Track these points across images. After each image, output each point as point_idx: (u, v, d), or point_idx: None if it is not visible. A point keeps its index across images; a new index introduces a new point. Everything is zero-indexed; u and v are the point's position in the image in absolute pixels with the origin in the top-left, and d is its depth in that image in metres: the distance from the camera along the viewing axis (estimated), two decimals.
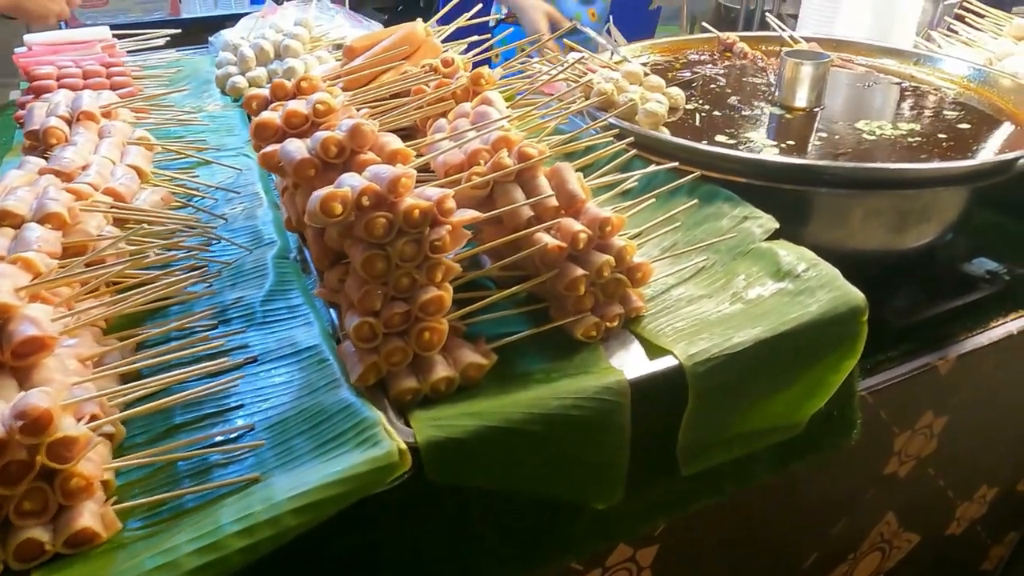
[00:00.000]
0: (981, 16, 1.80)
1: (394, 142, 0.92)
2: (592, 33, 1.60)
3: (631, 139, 1.12)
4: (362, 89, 1.19)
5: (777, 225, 1.02)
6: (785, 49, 1.54)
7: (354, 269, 0.81)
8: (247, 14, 1.97)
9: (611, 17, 2.98)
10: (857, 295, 0.89)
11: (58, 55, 1.65)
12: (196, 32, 2.20)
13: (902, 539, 1.41)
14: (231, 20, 2.02)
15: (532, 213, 0.90)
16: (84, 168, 1.09)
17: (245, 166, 1.34)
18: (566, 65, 1.28)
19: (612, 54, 1.51)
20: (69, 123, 1.24)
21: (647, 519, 0.95)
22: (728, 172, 1.11)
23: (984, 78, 1.46)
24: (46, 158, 1.13)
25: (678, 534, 1.05)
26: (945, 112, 1.37)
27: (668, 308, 0.94)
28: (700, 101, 1.41)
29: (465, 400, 0.80)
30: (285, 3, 2.05)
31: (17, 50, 1.71)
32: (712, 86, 1.50)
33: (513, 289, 0.89)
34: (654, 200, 1.03)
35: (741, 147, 1.22)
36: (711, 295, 0.96)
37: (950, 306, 1.22)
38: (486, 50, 1.30)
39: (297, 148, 0.90)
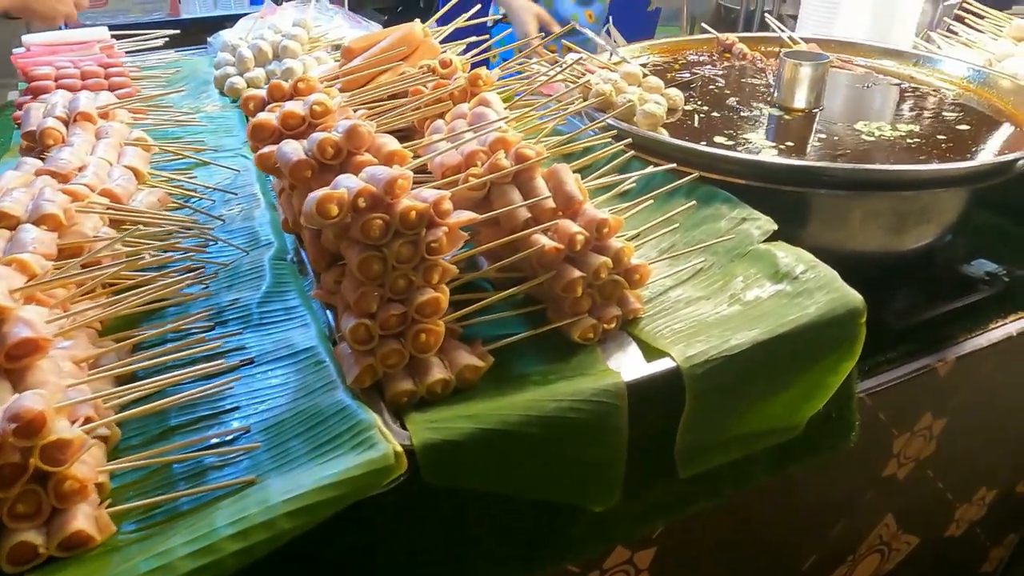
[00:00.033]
0: (981, 17, 1.79)
1: (391, 143, 0.91)
2: (591, 34, 1.60)
3: (629, 140, 1.12)
4: (360, 90, 1.19)
5: (775, 227, 1.02)
6: (784, 50, 1.54)
7: (350, 271, 0.81)
8: (247, 15, 1.97)
9: (610, 18, 2.98)
10: (855, 297, 0.89)
11: (56, 56, 1.64)
12: (195, 33, 2.19)
13: (901, 541, 1.40)
14: (230, 21, 2.01)
15: (529, 215, 0.89)
16: (81, 169, 1.09)
17: (243, 167, 1.34)
18: (564, 66, 1.28)
19: (611, 55, 1.50)
20: (66, 124, 1.23)
21: (645, 521, 0.95)
22: (726, 173, 1.11)
23: (983, 79, 1.46)
24: (43, 159, 1.12)
25: (676, 536, 1.05)
26: (944, 113, 1.37)
27: (666, 310, 0.94)
28: (699, 102, 1.41)
29: (461, 402, 0.80)
30: (284, 4, 2.05)
31: (15, 51, 1.71)
32: (711, 87, 1.50)
33: (510, 291, 0.88)
34: (652, 201, 1.02)
35: (740, 148, 1.22)
36: (709, 297, 0.95)
37: (949, 308, 1.22)
38: (484, 51, 1.30)
39: (293, 149, 0.90)
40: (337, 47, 1.73)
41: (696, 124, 1.32)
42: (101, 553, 0.67)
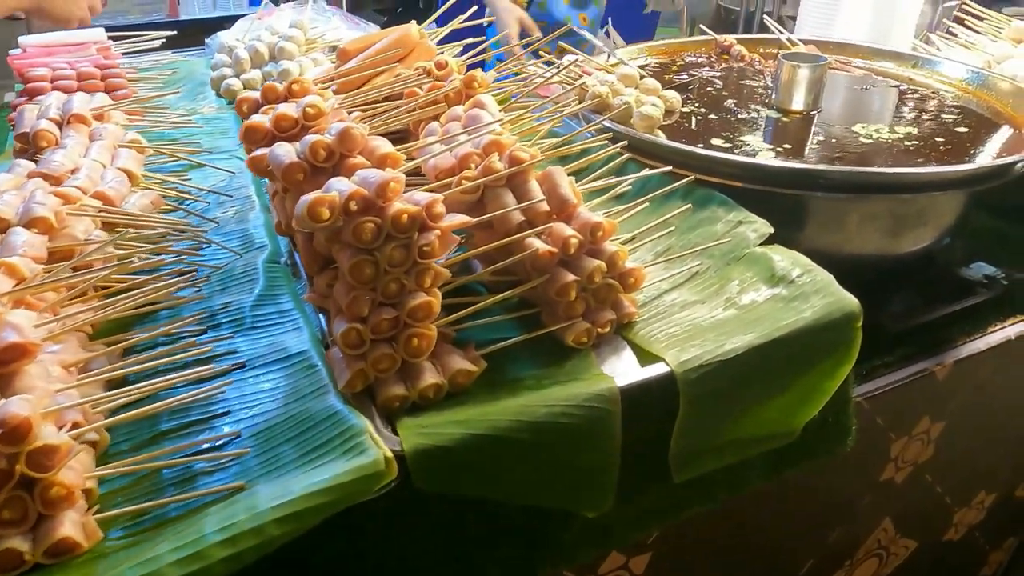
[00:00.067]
0: (980, 19, 1.79)
1: (384, 146, 0.91)
2: (589, 35, 1.59)
3: (625, 142, 1.11)
4: (355, 92, 1.18)
5: (772, 230, 1.01)
6: (782, 52, 1.53)
7: (342, 274, 0.80)
8: (245, 16, 1.96)
9: (609, 19, 2.98)
10: (852, 301, 0.88)
11: (52, 57, 1.64)
12: (194, 34, 2.19)
13: (899, 545, 1.40)
14: (229, 22, 2.01)
15: (523, 218, 0.89)
16: (73, 171, 1.08)
17: (238, 169, 1.33)
18: (561, 67, 1.28)
19: (609, 56, 1.50)
20: (60, 126, 1.23)
21: (639, 526, 0.94)
22: (723, 176, 1.11)
23: (982, 81, 1.45)
24: (36, 161, 1.12)
25: (671, 541, 1.04)
26: (943, 115, 1.36)
27: (661, 314, 0.94)
28: (696, 104, 1.40)
29: (453, 407, 0.79)
30: (282, 5, 2.04)
31: (12, 52, 1.70)
32: (709, 89, 1.49)
33: (504, 295, 0.88)
34: (648, 204, 1.02)
35: (737, 151, 1.21)
36: (704, 300, 0.95)
37: (947, 311, 1.21)
38: (480, 52, 1.30)
39: (286, 152, 0.89)
40: (334, 48, 1.72)
41: (693, 126, 1.31)
42: (88, 560, 0.66)
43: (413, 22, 1.33)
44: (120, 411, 0.78)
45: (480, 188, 0.91)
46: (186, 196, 1.23)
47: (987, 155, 1.22)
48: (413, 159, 0.97)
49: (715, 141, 1.24)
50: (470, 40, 1.36)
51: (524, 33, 2.55)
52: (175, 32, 1.85)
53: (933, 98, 1.45)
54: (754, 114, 1.37)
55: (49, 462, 0.66)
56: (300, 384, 0.84)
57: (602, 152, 1.08)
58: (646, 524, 0.96)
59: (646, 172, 1.06)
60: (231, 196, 1.25)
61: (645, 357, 0.87)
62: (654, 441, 0.85)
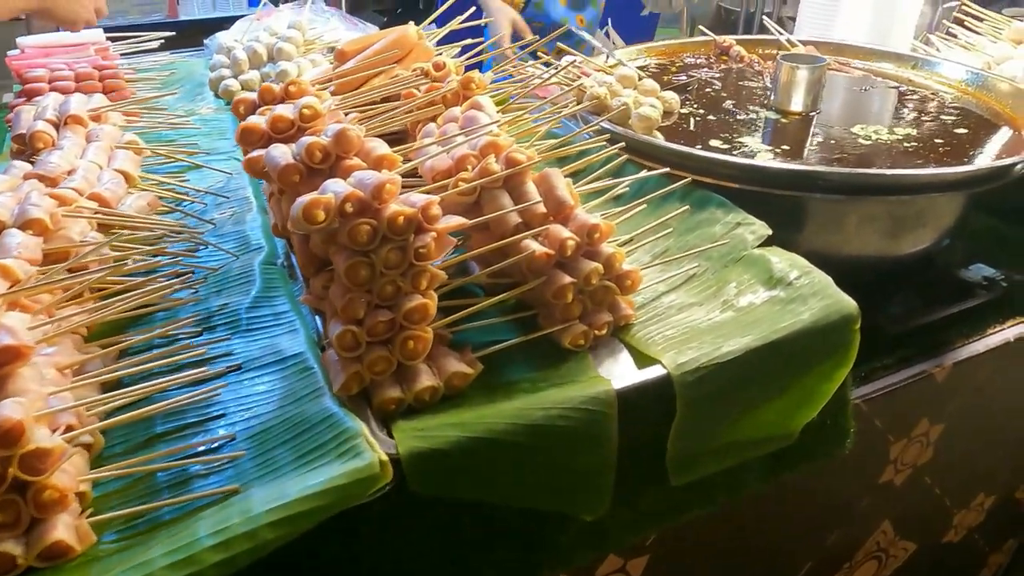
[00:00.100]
0: (980, 20, 1.78)
1: (380, 147, 0.90)
2: (588, 36, 1.59)
3: (623, 144, 1.11)
4: (352, 93, 1.18)
5: (770, 232, 1.01)
6: (781, 53, 1.52)
7: (338, 276, 0.80)
8: (245, 16, 1.96)
9: (609, 20, 2.98)
10: (849, 303, 0.88)
11: (50, 57, 1.64)
12: (194, 34, 2.19)
13: (898, 547, 1.39)
14: (229, 22, 2.00)
15: (520, 220, 0.89)
16: (70, 173, 1.08)
17: (235, 170, 1.33)
18: (559, 68, 1.27)
19: (607, 57, 1.49)
20: (57, 127, 1.22)
21: (637, 529, 0.94)
22: (721, 177, 1.10)
23: (982, 82, 1.45)
24: (33, 163, 1.12)
25: (669, 544, 1.04)
26: (942, 116, 1.36)
27: (658, 316, 0.93)
28: (695, 105, 1.40)
29: (449, 410, 0.79)
30: (281, 5, 2.04)
31: (9, 53, 1.70)
32: (707, 90, 1.49)
33: (500, 297, 0.87)
34: (646, 206, 1.01)
35: (735, 152, 1.21)
36: (702, 303, 0.95)
37: (946, 313, 1.21)
38: (478, 54, 1.29)
39: (282, 153, 0.89)
40: (332, 49, 1.72)
41: (692, 127, 1.31)
42: (81, 564, 0.66)
43: (411, 23, 1.32)
44: (115, 413, 0.77)
45: (477, 190, 0.91)
46: (184, 197, 1.23)
47: (986, 156, 1.21)
48: (410, 160, 0.96)
49: (714, 142, 1.24)
50: (468, 41, 1.36)
51: (517, 35, 2.55)
52: (173, 33, 1.84)
53: (932, 99, 1.45)
54: (753, 115, 1.37)
55: (42, 465, 0.65)
56: (296, 387, 0.83)
57: (600, 154, 1.08)
58: (644, 527, 0.95)
59: (644, 173, 1.06)
60: (228, 197, 1.25)
61: (642, 359, 0.87)
62: (651, 444, 0.84)
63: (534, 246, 0.86)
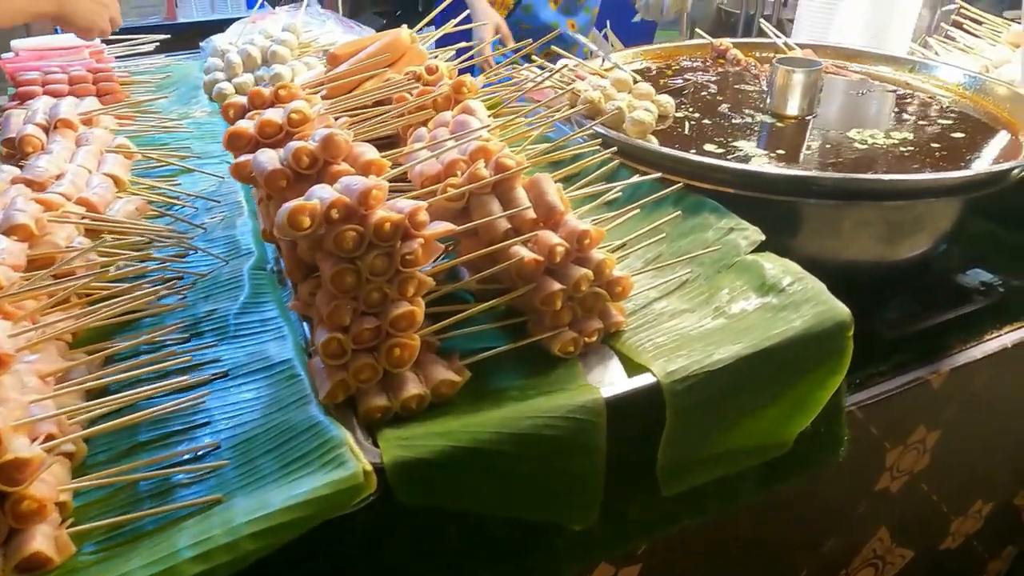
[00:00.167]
0: (979, 23, 1.77)
1: (369, 152, 0.89)
2: (583, 39, 1.58)
3: (616, 148, 1.10)
4: (344, 97, 1.17)
5: (763, 237, 1.00)
6: (777, 56, 1.51)
7: (324, 283, 0.79)
8: (242, 19, 1.95)
9: (608, 23, 2.97)
10: (843, 310, 0.87)
11: (45, 60, 1.63)
12: (191, 37, 2.18)
13: (895, 555, 1.38)
14: (227, 25, 1.99)
15: (509, 225, 0.88)
16: (58, 177, 1.07)
17: (227, 174, 1.31)
18: (552, 71, 1.26)
19: (603, 60, 1.48)
20: (47, 131, 1.22)
21: (626, 539, 0.93)
22: (715, 182, 1.09)
23: (979, 86, 1.43)
24: (21, 167, 1.11)
25: (662, 553, 1.03)
26: (940, 120, 1.35)
27: (649, 322, 0.92)
28: (690, 109, 1.39)
29: (436, 419, 0.78)
30: (277, 8, 2.03)
31: (4, 55, 1.69)
32: (703, 94, 1.48)
33: (489, 303, 0.86)
34: (639, 211, 1.00)
35: (730, 156, 1.20)
36: (694, 309, 0.93)
37: (943, 318, 1.20)
38: (470, 58, 1.28)
39: (269, 158, 0.88)
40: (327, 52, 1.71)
41: (687, 131, 1.30)
42: (59, 575, 0.65)
43: (404, 26, 1.31)
44: (99, 421, 0.76)
45: (466, 195, 0.90)
46: (174, 201, 1.22)
47: (984, 161, 1.20)
48: (400, 165, 0.96)
49: (709, 146, 1.23)
50: (462, 44, 1.35)
51: (498, 41, 2.54)
52: (168, 36, 1.84)
53: (930, 103, 1.44)
54: (748, 119, 1.36)
55: (20, 475, 0.64)
56: (282, 394, 0.83)
57: (593, 158, 1.07)
58: (634, 537, 0.95)
59: (636, 178, 1.05)
60: (219, 202, 1.24)
61: (632, 367, 0.86)
62: (642, 453, 0.83)
63: (523, 252, 0.85)
